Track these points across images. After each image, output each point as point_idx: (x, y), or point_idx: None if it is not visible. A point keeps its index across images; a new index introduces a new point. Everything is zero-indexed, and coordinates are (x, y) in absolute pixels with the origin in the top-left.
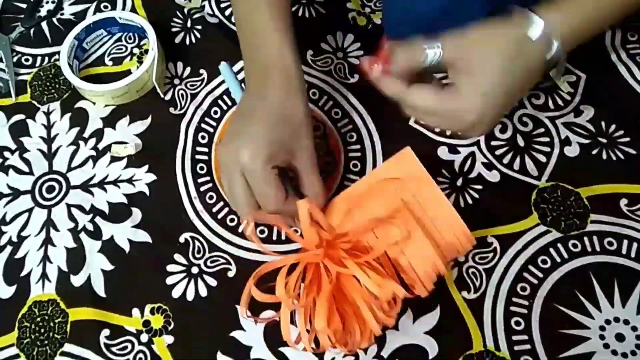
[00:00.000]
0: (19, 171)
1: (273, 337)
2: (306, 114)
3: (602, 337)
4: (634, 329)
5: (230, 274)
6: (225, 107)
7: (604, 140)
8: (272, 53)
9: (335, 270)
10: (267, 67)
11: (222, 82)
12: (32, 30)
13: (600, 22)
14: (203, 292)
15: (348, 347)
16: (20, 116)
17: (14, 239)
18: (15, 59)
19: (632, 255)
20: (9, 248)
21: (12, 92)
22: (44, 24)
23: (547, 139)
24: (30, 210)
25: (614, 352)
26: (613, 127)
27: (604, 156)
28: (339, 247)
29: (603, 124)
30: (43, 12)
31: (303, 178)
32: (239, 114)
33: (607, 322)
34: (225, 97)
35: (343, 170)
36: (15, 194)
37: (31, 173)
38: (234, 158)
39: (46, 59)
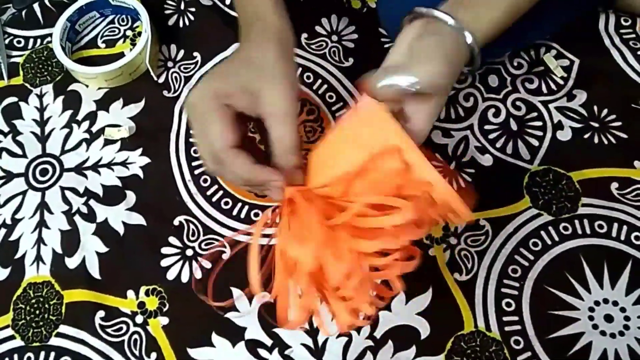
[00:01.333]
0: (12, 154)
1: (267, 318)
2: (278, 59)
3: (591, 317)
4: (623, 310)
5: (225, 256)
6: None
7: (596, 125)
8: (254, 9)
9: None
10: (248, 24)
11: (216, 64)
12: (23, 12)
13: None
14: (198, 274)
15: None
16: (13, 99)
17: (8, 222)
18: (6, 41)
19: (622, 238)
20: (2, 230)
21: (4, 74)
22: (35, 6)
23: (539, 123)
24: (24, 193)
25: (603, 333)
26: (605, 111)
27: (596, 140)
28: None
29: (595, 108)
30: None
31: (270, 127)
32: None
33: (597, 303)
34: None
35: None
36: (9, 176)
37: (24, 156)
38: (187, 101)
39: (38, 41)
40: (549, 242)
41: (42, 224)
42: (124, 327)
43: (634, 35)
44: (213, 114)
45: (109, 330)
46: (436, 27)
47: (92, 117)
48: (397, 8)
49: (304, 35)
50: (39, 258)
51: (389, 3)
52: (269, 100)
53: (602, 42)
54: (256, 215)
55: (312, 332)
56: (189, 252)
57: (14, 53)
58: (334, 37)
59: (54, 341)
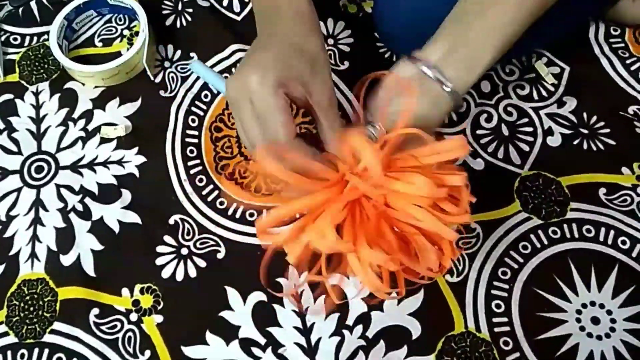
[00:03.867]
0: (7, 151)
1: (261, 316)
2: (322, 49)
3: (578, 320)
4: (609, 312)
5: (220, 255)
6: (215, 91)
7: (585, 131)
8: None
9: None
10: (277, 8)
11: (214, 65)
12: (20, 10)
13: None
14: (192, 272)
15: (420, 271)
16: (9, 96)
17: (3, 218)
18: (3, 38)
19: (609, 242)
20: None
21: (0, 71)
22: (32, 4)
23: (530, 129)
24: (19, 190)
25: (589, 335)
26: (594, 118)
27: (585, 146)
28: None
29: (585, 115)
30: None
31: (321, 119)
32: (248, 52)
33: (584, 305)
34: None
35: None
36: (4, 173)
37: (20, 153)
38: (242, 86)
39: (35, 38)
40: (538, 246)
41: (37, 221)
42: (119, 324)
43: (622, 45)
44: (278, 103)
45: (103, 327)
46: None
47: (88, 115)
48: (392, 18)
49: None
50: (33, 255)
51: (384, 13)
52: (319, 91)
53: (592, 50)
54: (251, 215)
55: (306, 331)
56: (184, 251)
57: (11, 50)
58: (330, 41)
59: (48, 338)
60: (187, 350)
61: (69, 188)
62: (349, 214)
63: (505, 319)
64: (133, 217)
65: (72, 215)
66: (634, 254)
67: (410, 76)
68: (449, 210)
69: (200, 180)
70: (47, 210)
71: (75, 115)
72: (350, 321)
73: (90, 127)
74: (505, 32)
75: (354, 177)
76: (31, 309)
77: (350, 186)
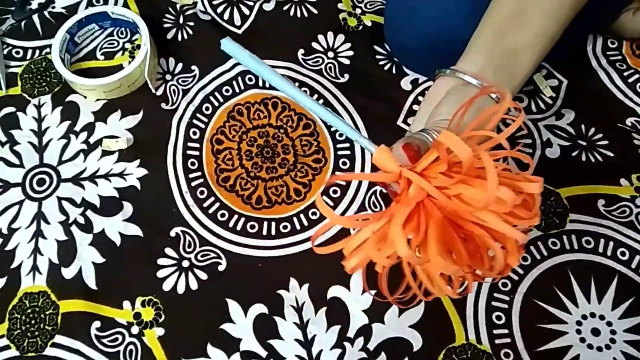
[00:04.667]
0: (9, 164)
1: (262, 329)
2: None
3: (578, 331)
4: (609, 324)
5: (221, 267)
6: (217, 104)
7: (584, 143)
8: None
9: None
10: None
11: (214, 78)
12: (22, 23)
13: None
14: (194, 285)
15: (485, 273)
16: (11, 109)
17: (4, 231)
18: (5, 51)
19: (609, 253)
20: None
21: (2, 84)
22: (35, 17)
23: (529, 141)
24: (20, 203)
25: (590, 346)
26: (592, 130)
27: (583, 158)
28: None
29: (583, 127)
30: (34, 4)
31: None
32: None
33: (584, 317)
34: (216, 94)
35: (332, 168)
36: (6, 186)
37: (22, 166)
38: None
39: (37, 51)
40: (538, 257)
41: (38, 234)
42: (120, 337)
43: (620, 57)
44: None
45: (104, 340)
46: (468, 90)
47: (90, 128)
48: (407, 28)
49: (301, 51)
50: (35, 268)
51: (396, 26)
52: None
53: (590, 63)
54: (252, 227)
55: (307, 344)
56: (185, 264)
57: (13, 63)
58: (330, 54)
59: (50, 351)
60: None
61: (71, 201)
62: (410, 219)
63: (505, 331)
64: (134, 230)
65: (73, 228)
66: (633, 265)
67: (452, 88)
68: (520, 214)
69: (202, 193)
70: (48, 223)
71: (77, 128)
72: (351, 333)
73: (92, 140)
74: (540, 44)
75: (415, 175)
76: (32, 322)
77: (414, 187)
